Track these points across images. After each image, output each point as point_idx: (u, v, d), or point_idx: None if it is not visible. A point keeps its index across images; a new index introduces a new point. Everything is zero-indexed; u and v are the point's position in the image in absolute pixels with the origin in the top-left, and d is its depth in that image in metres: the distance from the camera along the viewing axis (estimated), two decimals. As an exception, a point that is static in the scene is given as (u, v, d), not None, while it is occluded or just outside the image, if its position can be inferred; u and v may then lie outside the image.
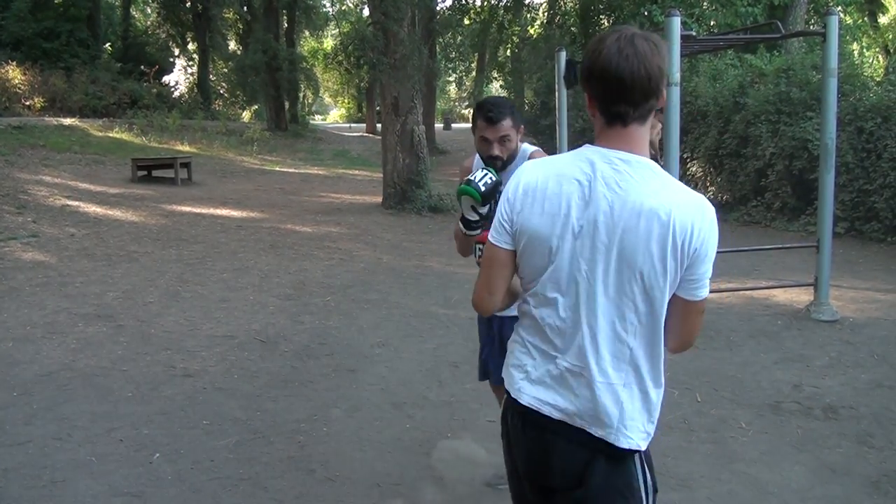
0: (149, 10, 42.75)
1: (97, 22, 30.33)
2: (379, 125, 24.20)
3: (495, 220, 2.02)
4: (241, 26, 38.94)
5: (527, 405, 1.99)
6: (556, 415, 1.96)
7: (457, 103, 61.17)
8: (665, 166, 6.57)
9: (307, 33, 47.44)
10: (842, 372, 5.49)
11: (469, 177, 2.97)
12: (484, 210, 2.99)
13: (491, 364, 3.49)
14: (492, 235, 2.03)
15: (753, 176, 12.53)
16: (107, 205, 12.45)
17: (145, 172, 16.01)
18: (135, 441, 4.35)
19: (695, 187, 13.89)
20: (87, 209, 11.84)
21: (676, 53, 6.34)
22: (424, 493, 3.79)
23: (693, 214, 1.86)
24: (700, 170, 14.02)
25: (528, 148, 3.28)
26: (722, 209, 12.60)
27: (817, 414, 4.74)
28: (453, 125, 48.11)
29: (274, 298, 7.52)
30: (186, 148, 20.99)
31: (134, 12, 40.06)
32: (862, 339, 6.22)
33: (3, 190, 12.27)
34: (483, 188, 2.89)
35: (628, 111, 1.87)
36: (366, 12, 30.57)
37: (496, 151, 3.15)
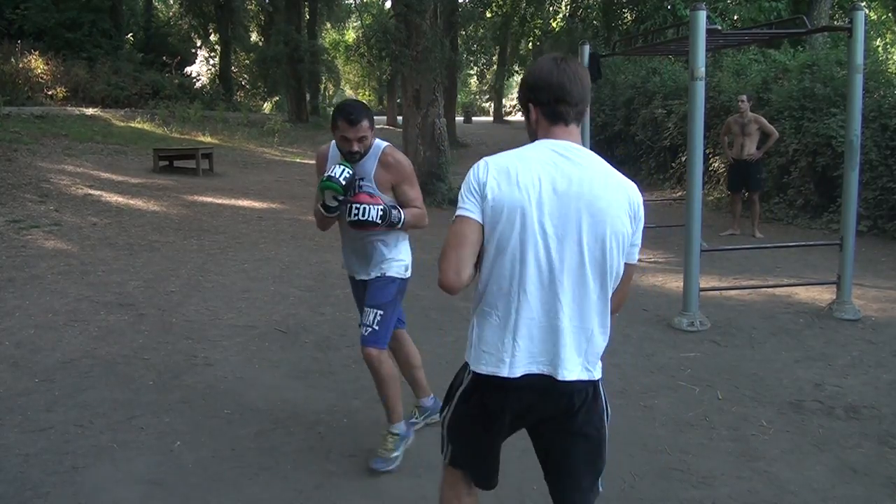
0: (171, 1, 42.95)
1: (120, 12, 30.46)
2: (400, 118, 24.19)
3: (466, 198, 2.27)
4: (263, 18, 39.15)
5: None
6: None
7: (478, 96, 61.13)
8: (688, 161, 6.53)
9: (329, 25, 47.57)
10: (863, 371, 5.45)
11: (328, 173, 3.62)
12: (342, 197, 3.65)
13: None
14: (465, 210, 2.26)
15: (776, 172, 12.42)
16: (129, 194, 12.52)
17: (167, 163, 16.08)
18: (156, 429, 4.38)
19: (717, 183, 13.83)
20: (109, 198, 11.91)
21: (701, 47, 6.29)
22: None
23: (637, 192, 2.33)
24: (722, 166, 13.91)
25: (380, 143, 3.80)
26: (742, 206, 12.49)
27: (839, 413, 4.70)
28: (474, 118, 48.09)
29: (295, 289, 7.55)
30: (208, 139, 21.09)
31: (156, 3, 40.25)
32: (884, 339, 6.17)
33: (26, 178, 12.36)
34: (343, 182, 3.59)
35: (571, 113, 2.30)
36: (388, 4, 30.58)
37: (356, 148, 3.64)
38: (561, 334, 2.23)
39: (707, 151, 13.29)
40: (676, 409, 4.75)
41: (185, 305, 6.86)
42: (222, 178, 15.82)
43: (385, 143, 3.82)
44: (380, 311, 3.83)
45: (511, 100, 56.14)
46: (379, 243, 3.87)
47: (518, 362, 2.25)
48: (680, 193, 14.29)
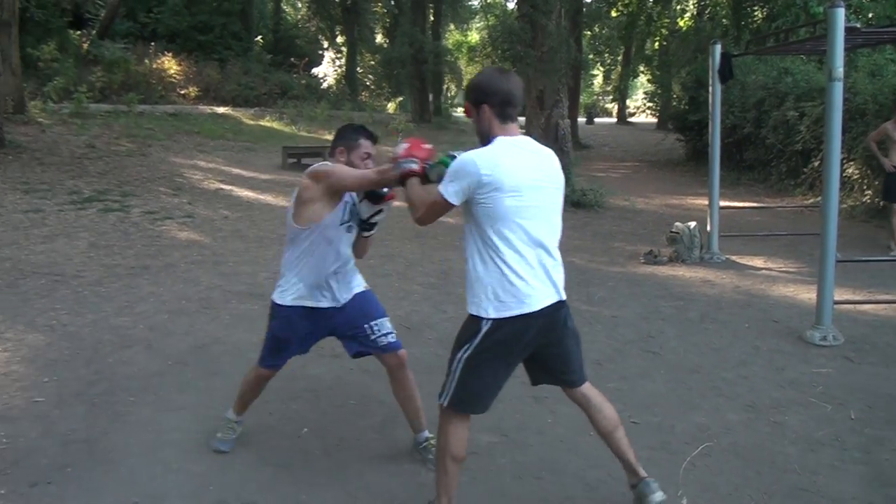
0: (299, 5, 44.13)
1: (250, 16, 31.54)
2: (522, 118, 24.16)
3: (455, 185, 2.95)
4: (388, 20, 39.76)
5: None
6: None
7: (601, 97, 60.36)
8: (824, 167, 6.28)
9: (452, 26, 47.90)
10: None
11: (441, 156, 3.55)
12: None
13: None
14: (451, 196, 2.95)
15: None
16: (258, 189, 12.95)
17: (295, 160, 16.53)
18: (284, 415, 4.52)
19: (850, 190, 13.23)
20: (239, 193, 12.35)
21: (840, 46, 6.03)
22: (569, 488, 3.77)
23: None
24: (857, 171, 13.31)
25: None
26: (878, 215, 11.91)
27: (984, 439, 4.43)
28: (596, 120, 47.54)
29: (418, 286, 7.65)
30: (334, 137, 21.50)
31: (285, 6, 41.43)
32: None
33: (161, 173, 12.96)
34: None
35: (514, 113, 3.09)
36: (511, 5, 30.56)
37: (371, 164, 3.98)
38: (553, 269, 3.12)
39: (842, 157, 12.74)
40: (807, 427, 4.56)
41: (312, 298, 7.01)
42: (347, 176, 16.10)
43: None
44: (387, 318, 4.02)
45: (636, 101, 55.24)
46: (352, 260, 4.04)
47: (536, 300, 3.02)
48: (812, 200, 13.78)
